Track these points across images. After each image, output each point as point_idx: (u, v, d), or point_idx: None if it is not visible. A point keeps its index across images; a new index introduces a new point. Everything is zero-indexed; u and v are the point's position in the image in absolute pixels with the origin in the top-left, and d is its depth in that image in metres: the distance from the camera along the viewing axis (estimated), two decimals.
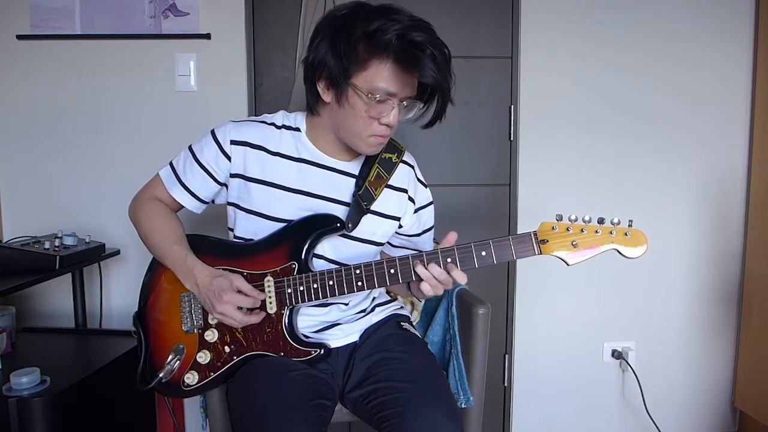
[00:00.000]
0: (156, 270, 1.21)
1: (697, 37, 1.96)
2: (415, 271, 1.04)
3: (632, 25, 1.93)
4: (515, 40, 1.90)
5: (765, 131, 1.95)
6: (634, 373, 2.02)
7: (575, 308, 2.03)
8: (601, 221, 1.02)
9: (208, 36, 1.80)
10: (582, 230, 1.02)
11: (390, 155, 1.19)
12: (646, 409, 2.02)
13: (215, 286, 1.08)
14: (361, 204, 1.14)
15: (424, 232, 1.30)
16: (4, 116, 1.81)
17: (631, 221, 1.03)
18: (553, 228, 1.02)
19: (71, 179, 1.84)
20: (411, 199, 1.24)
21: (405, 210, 1.23)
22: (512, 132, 1.94)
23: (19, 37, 1.77)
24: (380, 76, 1.00)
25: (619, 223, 1.02)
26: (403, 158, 1.23)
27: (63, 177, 1.83)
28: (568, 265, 1.03)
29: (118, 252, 1.78)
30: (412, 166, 1.26)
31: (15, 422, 1.19)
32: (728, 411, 2.13)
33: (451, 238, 1.05)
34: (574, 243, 1.01)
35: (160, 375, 1.13)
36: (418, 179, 1.27)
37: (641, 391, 2.01)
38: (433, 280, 1.03)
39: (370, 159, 1.18)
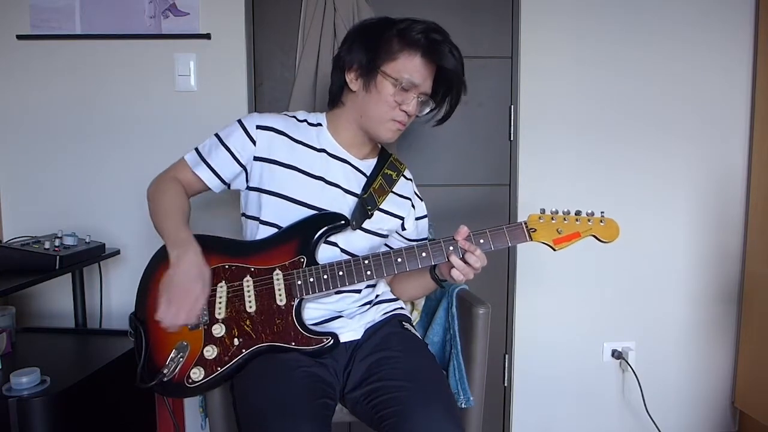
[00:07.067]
0: (157, 267, 1.19)
1: (697, 37, 1.96)
2: (421, 259, 1.16)
3: (632, 25, 1.94)
4: (515, 40, 1.90)
5: (765, 131, 1.95)
6: (634, 373, 2.02)
7: (575, 308, 2.03)
8: (578, 213, 1.17)
9: (208, 36, 1.80)
10: (564, 219, 1.17)
11: (391, 173, 1.32)
12: (646, 409, 2.02)
13: (198, 272, 1.10)
14: (365, 207, 1.24)
15: (421, 240, 1.39)
16: (4, 116, 1.81)
17: (603, 212, 1.18)
18: (539, 218, 1.17)
19: (71, 179, 1.83)
20: (413, 206, 1.36)
21: (408, 213, 1.35)
22: (512, 132, 1.94)
23: (19, 37, 1.77)
24: (407, 66, 1.17)
25: (593, 213, 1.18)
26: (404, 174, 1.36)
27: (63, 177, 1.83)
28: (554, 250, 1.17)
29: (118, 252, 1.78)
30: (411, 180, 1.39)
31: (15, 422, 1.19)
32: (728, 411, 2.13)
33: (463, 232, 1.16)
34: (558, 230, 1.16)
35: (164, 372, 1.12)
36: (416, 193, 1.39)
37: (641, 391, 2.01)
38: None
39: (379, 165, 1.30)
